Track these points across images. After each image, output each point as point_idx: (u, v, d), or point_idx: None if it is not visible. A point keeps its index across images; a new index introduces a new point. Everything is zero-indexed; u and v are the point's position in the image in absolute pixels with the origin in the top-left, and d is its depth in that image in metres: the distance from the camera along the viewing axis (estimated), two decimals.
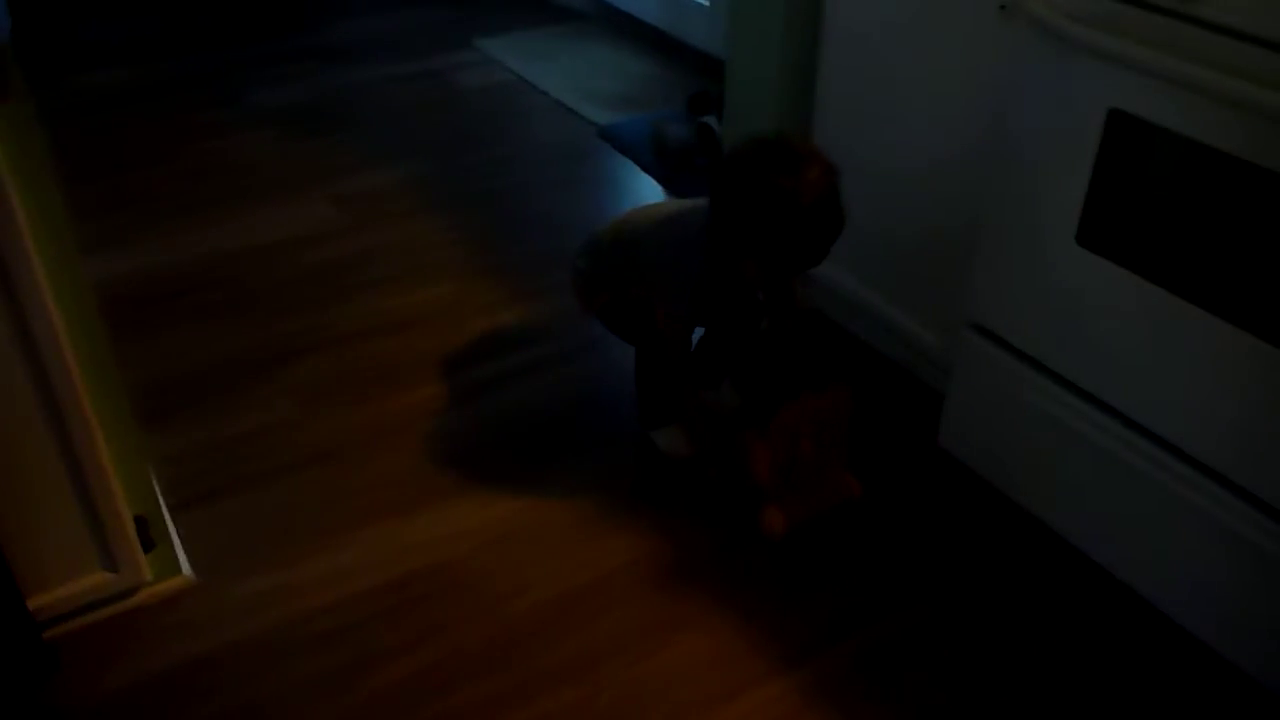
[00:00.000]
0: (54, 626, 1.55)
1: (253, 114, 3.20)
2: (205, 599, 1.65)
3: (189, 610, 1.63)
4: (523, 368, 2.15)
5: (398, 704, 1.49)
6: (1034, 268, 1.61)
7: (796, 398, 1.70)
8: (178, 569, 1.66)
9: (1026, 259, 1.62)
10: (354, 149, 2.99)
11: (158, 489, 1.67)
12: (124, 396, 1.51)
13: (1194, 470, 1.47)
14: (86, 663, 1.54)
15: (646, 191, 2.81)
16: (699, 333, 1.97)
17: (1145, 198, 1.45)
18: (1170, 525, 1.52)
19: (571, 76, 3.41)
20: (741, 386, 2.00)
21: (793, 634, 1.60)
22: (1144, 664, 1.56)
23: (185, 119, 3.17)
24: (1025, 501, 1.76)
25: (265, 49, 3.66)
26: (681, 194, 2.43)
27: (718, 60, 2.94)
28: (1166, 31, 1.34)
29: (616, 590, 1.67)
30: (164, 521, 1.65)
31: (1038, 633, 1.61)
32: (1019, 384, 1.69)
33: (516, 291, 2.39)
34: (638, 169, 2.89)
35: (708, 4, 3.23)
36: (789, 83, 2.04)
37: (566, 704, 1.49)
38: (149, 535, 1.59)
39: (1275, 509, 1.39)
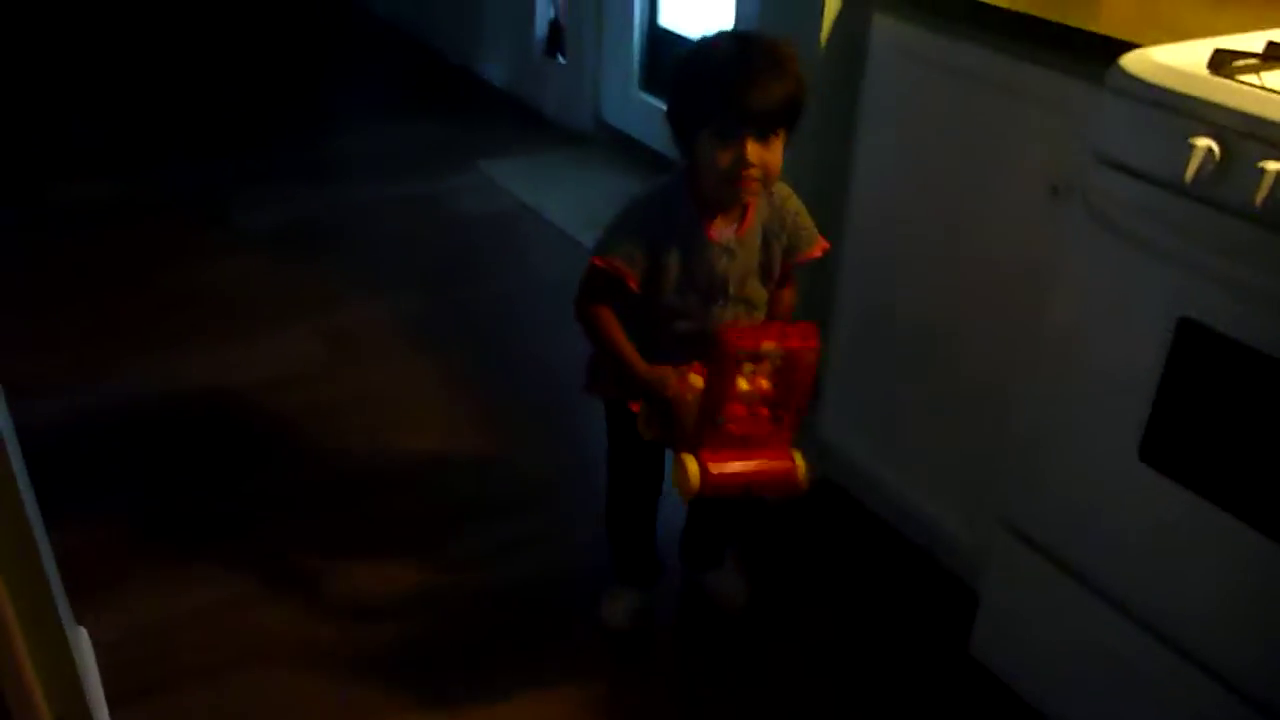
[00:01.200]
0: None
1: (240, 235, 3.06)
2: None
3: None
4: (509, 542, 1.96)
5: None
6: (1085, 478, 1.43)
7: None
8: None
9: (1076, 467, 1.45)
10: (344, 277, 2.84)
11: (90, 682, 1.47)
12: (45, 583, 1.31)
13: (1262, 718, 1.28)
14: None
15: None
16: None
17: (1219, 415, 1.28)
18: None
19: (575, 203, 3.28)
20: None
21: None
22: None
23: (170, 238, 3.03)
24: None
25: (257, 161, 3.55)
26: None
27: None
28: (1247, 236, 1.19)
29: None
30: None
31: None
32: (1059, 598, 1.50)
33: (505, 445, 2.22)
34: None
35: None
36: None
37: None
38: None
39: None
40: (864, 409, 1.95)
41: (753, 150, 1.36)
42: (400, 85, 4.46)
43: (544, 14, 3.92)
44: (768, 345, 1.36)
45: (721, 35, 1.43)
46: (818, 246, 1.54)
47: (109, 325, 2.60)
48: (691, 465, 1.40)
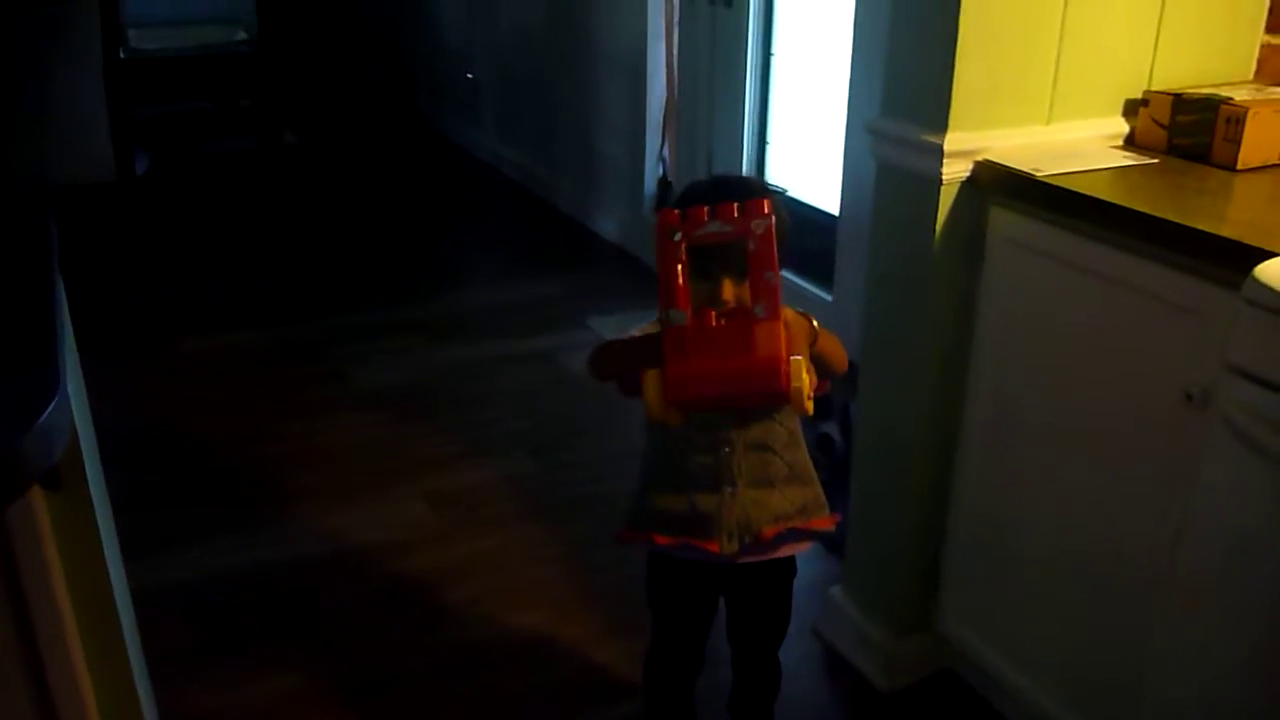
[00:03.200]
0: None
1: (356, 393, 3.14)
2: None
3: None
4: None
5: None
6: (1222, 710, 1.34)
7: None
8: None
9: (1213, 692, 1.35)
10: (456, 438, 2.87)
11: None
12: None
13: None
14: None
15: None
16: None
17: None
18: None
19: None
20: None
21: None
22: None
23: (286, 395, 3.12)
24: None
25: (376, 317, 3.67)
26: None
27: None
28: None
29: None
30: None
31: None
32: None
33: (612, 625, 2.17)
34: None
35: (830, 300, 3.11)
36: (927, 430, 1.85)
37: None
38: None
39: None
40: (987, 604, 1.86)
41: (728, 289, 1.36)
42: (516, 238, 4.59)
43: (654, 171, 4.02)
44: (711, 223, 1.26)
45: (703, 178, 1.51)
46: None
47: (226, 482, 2.67)
48: (650, 378, 1.29)
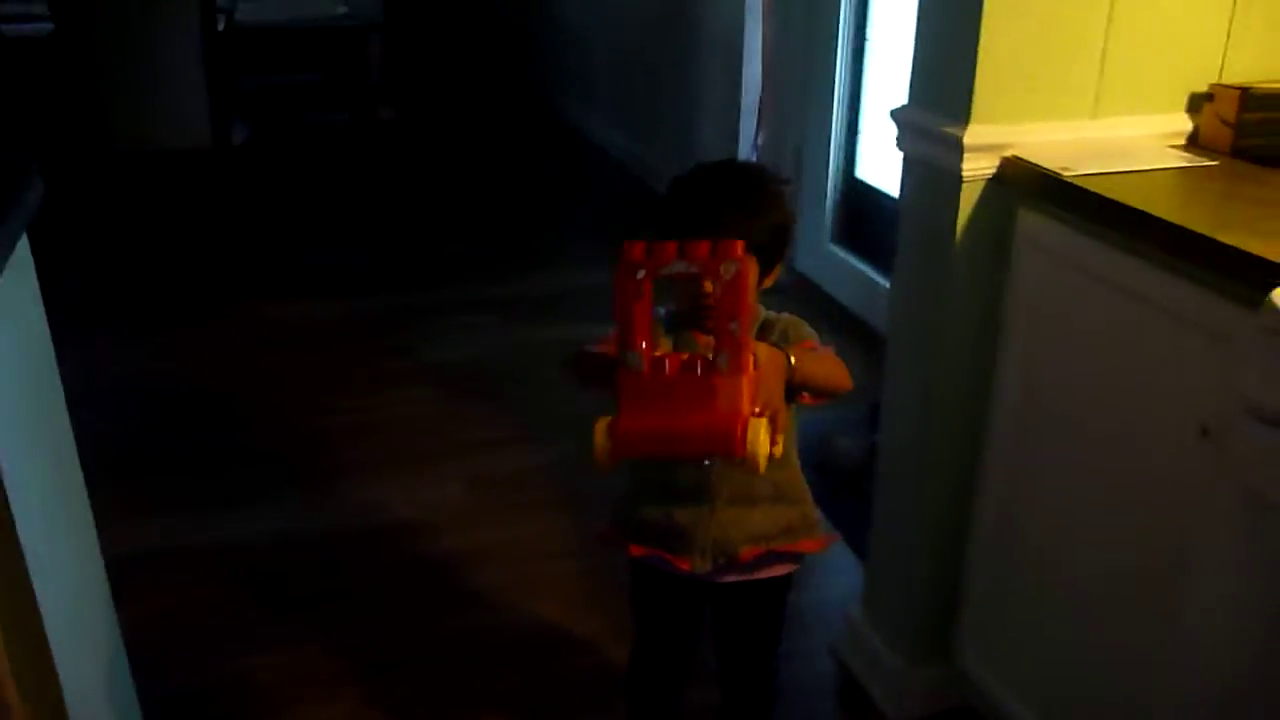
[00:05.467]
0: None
1: (422, 369, 3.14)
2: None
3: None
4: None
5: None
6: None
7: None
8: None
9: None
10: (509, 421, 2.85)
11: None
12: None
13: None
14: None
15: None
16: None
17: None
18: None
19: None
20: None
21: None
22: None
23: (353, 367, 3.16)
24: None
25: (457, 294, 3.67)
26: (841, 521, 2.11)
27: None
28: None
29: None
30: None
31: None
32: None
33: (624, 625, 2.08)
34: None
35: None
36: (948, 449, 1.71)
37: None
38: None
39: None
40: (1005, 639, 1.72)
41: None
42: (613, 221, 4.53)
43: (746, 156, 3.89)
44: (677, 263, 1.14)
45: (704, 163, 1.42)
46: (810, 340, 1.40)
47: (278, 450, 2.71)
48: (599, 429, 1.18)
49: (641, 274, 1.16)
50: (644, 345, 1.16)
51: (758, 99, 3.82)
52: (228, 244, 3.99)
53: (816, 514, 1.51)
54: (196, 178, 3.95)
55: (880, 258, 3.13)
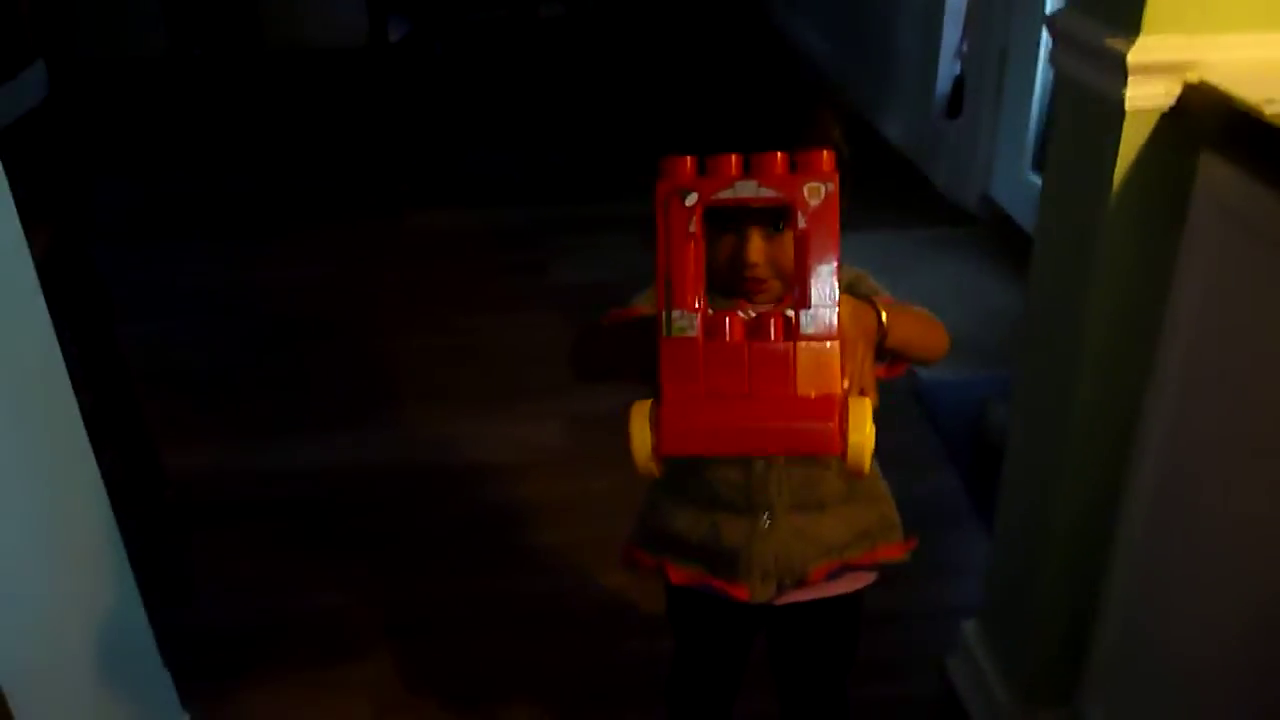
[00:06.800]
0: None
1: (548, 289, 2.92)
2: None
3: None
4: None
5: None
6: None
7: None
8: None
9: None
10: None
11: None
12: None
13: None
14: None
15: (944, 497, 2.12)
16: None
17: None
18: None
19: (923, 299, 2.77)
20: None
21: None
22: None
23: (480, 284, 2.97)
24: None
25: (599, 209, 3.37)
26: (986, 504, 1.77)
27: None
28: None
29: None
30: None
31: None
32: None
33: None
34: (943, 455, 2.21)
35: None
36: (1084, 455, 1.32)
37: None
38: None
39: None
40: (1140, 697, 1.34)
41: (757, 246, 0.95)
42: None
43: (949, 69, 3.40)
44: (743, 183, 0.81)
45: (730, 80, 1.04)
46: (885, 295, 1.05)
47: (377, 372, 2.56)
48: (637, 415, 0.82)
49: (692, 200, 0.82)
50: (698, 303, 0.82)
51: (965, 1, 3.32)
52: (378, 147, 3.84)
53: (895, 514, 1.19)
54: (350, 77, 3.81)
55: None
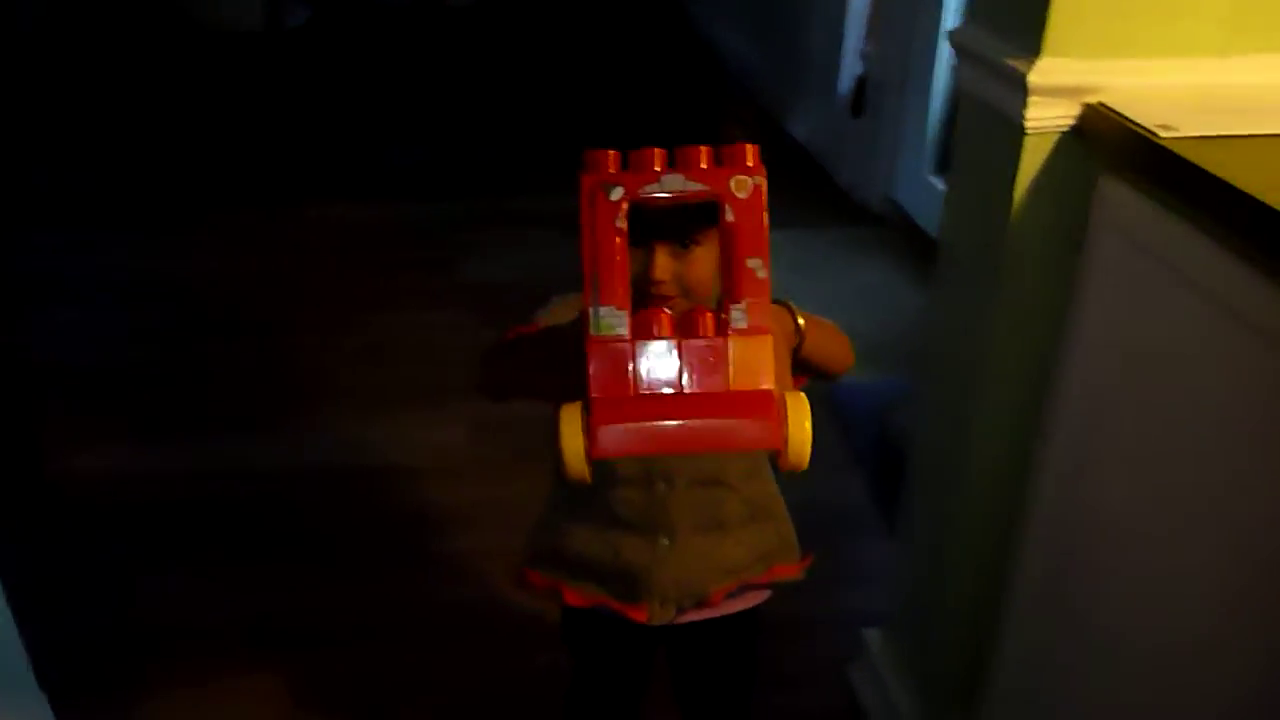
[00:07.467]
0: None
1: (455, 288, 2.88)
2: None
3: None
4: None
5: None
6: None
7: None
8: None
9: None
10: None
11: None
12: None
13: None
14: None
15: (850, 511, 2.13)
16: None
17: None
18: None
19: (828, 302, 2.79)
20: None
21: None
22: None
23: (384, 281, 2.91)
24: None
25: (509, 204, 3.33)
26: (891, 509, 1.78)
27: None
28: None
29: None
30: None
31: None
32: None
33: None
34: (849, 458, 2.23)
35: None
36: (989, 470, 1.35)
37: None
38: None
39: None
40: (1036, 703, 1.37)
41: (663, 263, 0.94)
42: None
43: (852, 68, 3.44)
44: (669, 177, 0.77)
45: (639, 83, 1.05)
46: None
47: (278, 372, 2.49)
48: (568, 417, 0.77)
49: (618, 195, 0.78)
50: (626, 299, 0.78)
51: (868, 2, 3.36)
52: (274, 136, 3.73)
53: (793, 533, 1.19)
54: (246, 62, 3.69)
55: None
